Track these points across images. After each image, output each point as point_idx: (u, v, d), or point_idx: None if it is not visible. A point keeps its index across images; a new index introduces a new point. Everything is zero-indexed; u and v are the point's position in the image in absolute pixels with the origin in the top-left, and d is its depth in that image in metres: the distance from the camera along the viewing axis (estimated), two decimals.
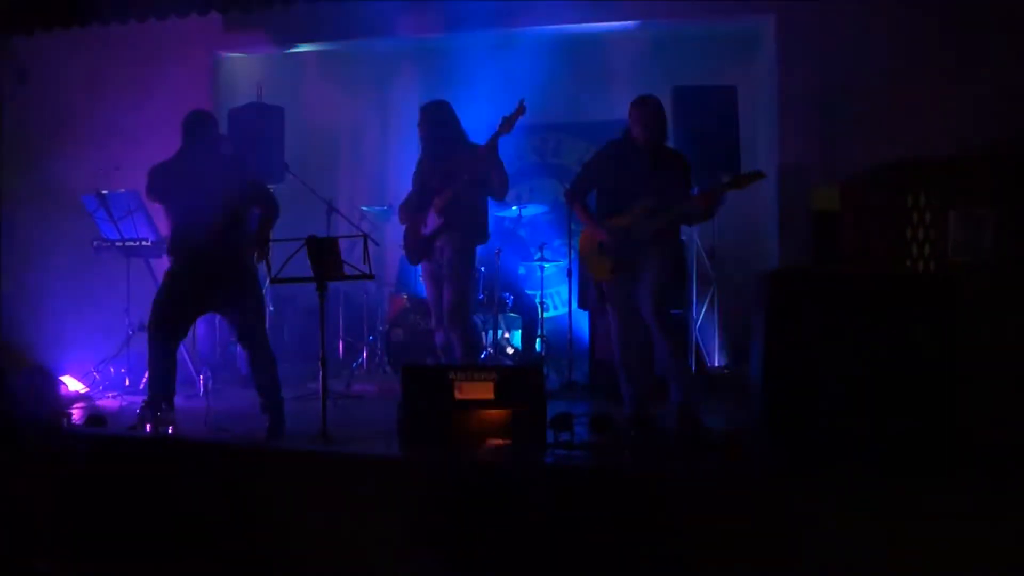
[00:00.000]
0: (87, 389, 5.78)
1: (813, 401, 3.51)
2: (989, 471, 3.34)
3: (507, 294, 6.38)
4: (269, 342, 4.61)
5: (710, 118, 5.87)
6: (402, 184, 5.32)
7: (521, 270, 6.87)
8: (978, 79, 5.60)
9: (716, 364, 6.29)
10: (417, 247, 5.06)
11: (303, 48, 7.20)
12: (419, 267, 5.19)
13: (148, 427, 4.35)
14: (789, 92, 6.12)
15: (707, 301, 6.26)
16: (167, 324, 4.46)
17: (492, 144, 4.81)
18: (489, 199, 5.07)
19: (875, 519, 3.16)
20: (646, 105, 4.47)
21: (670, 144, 4.82)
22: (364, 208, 6.96)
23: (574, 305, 6.20)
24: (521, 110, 4.78)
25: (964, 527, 3.07)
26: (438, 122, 4.97)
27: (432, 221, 4.92)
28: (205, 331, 6.48)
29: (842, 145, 5.84)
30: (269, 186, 5.12)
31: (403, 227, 5.19)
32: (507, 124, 4.78)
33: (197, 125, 4.57)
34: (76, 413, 4.98)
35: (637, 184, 4.42)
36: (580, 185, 4.67)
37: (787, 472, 3.50)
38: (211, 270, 4.39)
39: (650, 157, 4.45)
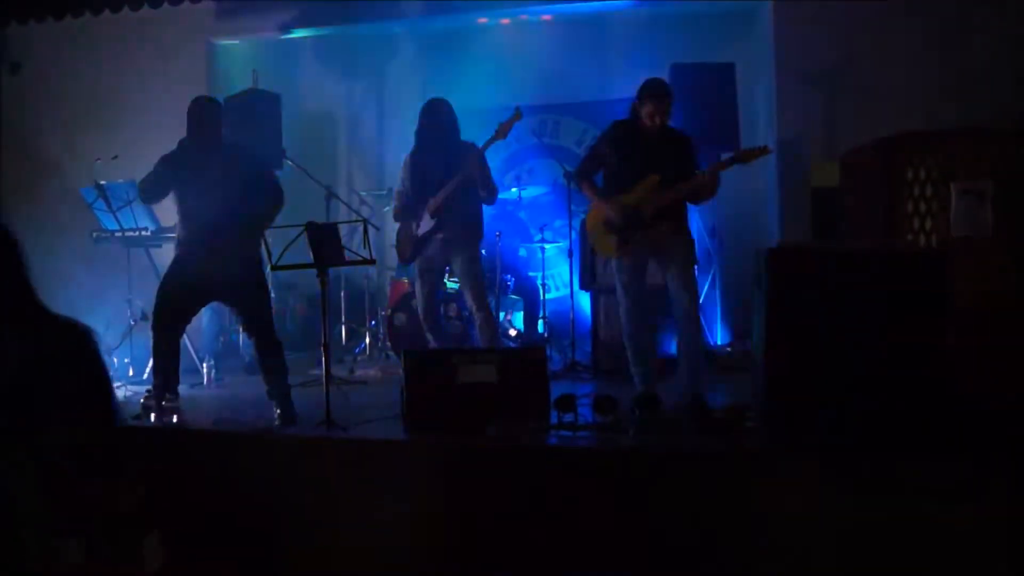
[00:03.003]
0: None
1: (814, 377, 3.52)
2: (986, 447, 3.35)
3: (508, 276, 6.37)
4: (275, 329, 4.61)
5: (709, 95, 5.84)
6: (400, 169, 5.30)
7: (522, 252, 6.85)
8: (979, 52, 5.55)
9: (717, 342, 6.29)
10: (409, 246, 5.05)
11: (298, 34, 7.16)
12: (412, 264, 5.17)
13: (153, 417, 4.36)
14: (787, 68, 6.08)
15: (708, 279, 6.25)
16: (172, 312, 4.46)
17: (481, 152, 4.80)
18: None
19: (873, 494, 3.18)
20: (663, 100, 4.37)
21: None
22: (362, 193, 6.96)
23: (576, 286, 6.18)
24: (517, 115, 4.75)
25: (960, 504, 3.09)
26: (441, 120, 4.90)
27: (424, 223, 4.92)
28: (208, 320, 6.49)
29: (841, 120, 5.81)
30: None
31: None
32: (502, 131, 4.75)
33: (204, 113, 4.51)
34: None
35: (645, 164, 4.39)
36: (587, 165, 4.63)
37: (788, 449, 3.51)
38: (218, 259, 4.36)
39: (657, 138, 4.42)
